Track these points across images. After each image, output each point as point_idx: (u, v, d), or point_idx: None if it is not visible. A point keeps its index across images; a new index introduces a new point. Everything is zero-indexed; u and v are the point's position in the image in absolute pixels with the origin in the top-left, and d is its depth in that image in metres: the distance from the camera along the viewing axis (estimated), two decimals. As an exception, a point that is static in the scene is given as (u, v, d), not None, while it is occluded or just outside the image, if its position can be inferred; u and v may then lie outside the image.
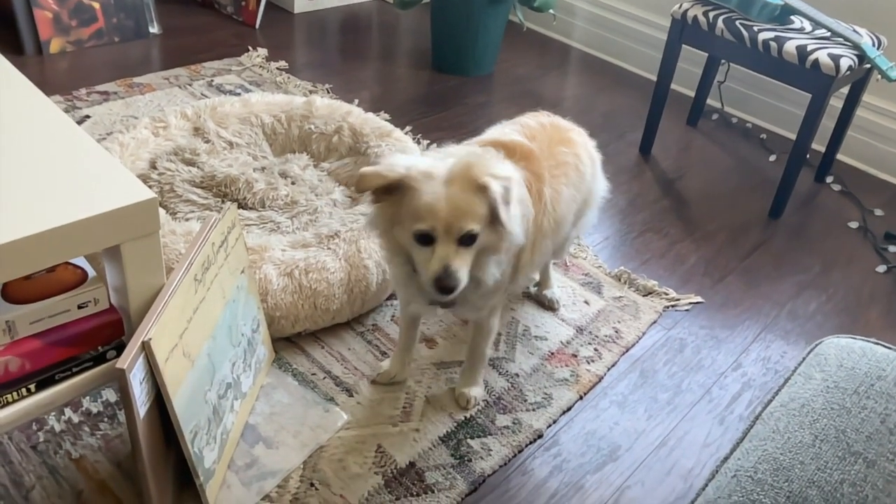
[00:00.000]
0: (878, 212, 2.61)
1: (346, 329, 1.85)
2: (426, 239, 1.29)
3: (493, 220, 1.30)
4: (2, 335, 1.16)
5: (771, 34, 2.35)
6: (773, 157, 2.87)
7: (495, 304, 1.58)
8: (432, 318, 1.90)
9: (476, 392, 1.68)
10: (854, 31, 2.38)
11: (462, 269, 1.29)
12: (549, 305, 1.98)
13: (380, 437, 1.59)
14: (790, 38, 2.32)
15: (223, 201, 2.10)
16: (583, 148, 1.70)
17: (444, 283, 1.28)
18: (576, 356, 1.86)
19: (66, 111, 2.54)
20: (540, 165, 1.51)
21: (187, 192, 2.09)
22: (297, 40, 3.39)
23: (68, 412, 1.55)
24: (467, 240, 1.29)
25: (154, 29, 3.21)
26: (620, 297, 2.07)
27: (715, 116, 3.12)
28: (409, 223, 1.29)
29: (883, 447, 0.93)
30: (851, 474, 0.89)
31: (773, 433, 0.98)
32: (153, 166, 2.17)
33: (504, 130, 1.60)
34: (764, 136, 3.02)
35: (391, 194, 1.31)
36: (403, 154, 1.39)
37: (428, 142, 2.66)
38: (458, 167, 1.30)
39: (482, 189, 1.28)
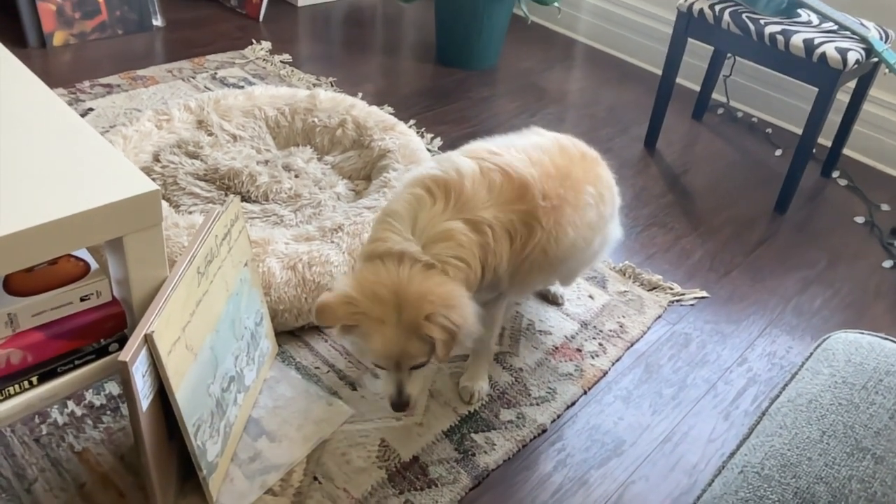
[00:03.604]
0: (885, 207, 2.60)
1: (349, 323, 1.84)
2: (381, 367, 1.43)
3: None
4: (4, 328, 1.15)
5: (777, 27, 2.33)
6: (778, 152, 2.85)
7: (492, 302, 1.60)
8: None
9: (480, 386, 1.68)
10: (861, 24, 2.36)
11: (415, 391, 1.44)
12: (553, 300, 1.98)
13: (383, 431, 1.59)
14: (797, 32, 2.31)
15: (226, 194, 2.09)
16: (607, 189, 1.69)
17: (398, 408, 1.44)
18: (580, 351, 1.85)
19: (70, 104, 2.53)
20: (539, 218, 1.48)
21: (191, 184, 2.09)
22: (301, 33, 3.38)
23: (71, 405, 1.55)
24: (418, 366, 1.42)
25: (157, 21, 3.20)
26: (625, 291, 2.06)
27: (720, 111, 3.10)
28: (364, 352, 1.43)
29: (892, 443, 0.92)
30: (860, 470, 0.88)
31: (780, 429, 0.97)
32: (156, 159, 2.16)
33: (531, 152, 1.55)
34: (769, 130, 3.00)
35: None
36: (353, 276, 1.42)
37: (432, 135, 2.64)
38: (411, 311, 1.34)
39: (430, 337, 1.36)
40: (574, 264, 1.71)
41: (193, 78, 2.82)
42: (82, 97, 2.60)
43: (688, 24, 2.54)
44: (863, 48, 2.26)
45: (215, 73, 2.88)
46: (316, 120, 2.36)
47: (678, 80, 2.73)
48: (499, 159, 1.50)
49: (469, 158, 1.49)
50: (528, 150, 1.55)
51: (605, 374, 1.80)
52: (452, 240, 1.40)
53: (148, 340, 1.18)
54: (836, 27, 2.36)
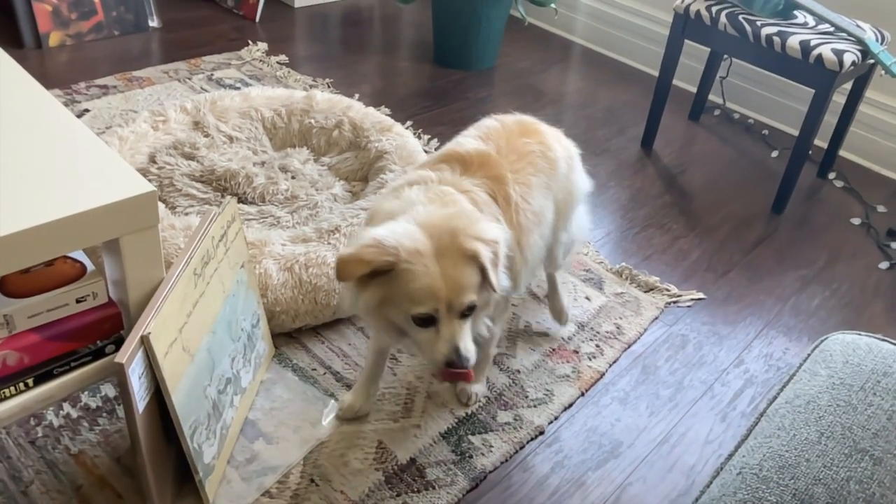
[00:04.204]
0: (881, 208, 2.60)
1: (346, 324, 1.84)
2: (427, 321, 1.25)
3: (483, 282, 1.27)
4: (0, 329, 1.14)
5: (774, 29, 2.33)
6: (775, 153, 2.86)
7: (498, 313, 1.55)
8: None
9: (478, 389, 1.67)
10: (857, 26, 2.37)
11: (470, 344, 1.27)
12: (555, 317, 1.91)
13: (380, 432, 1.58)
14: (793, 33, 2.31)
15: (223, 195, 2.09)
16: (552, 138, 1.63)
17: (457, 367, 1.26)
18: (577, 352, 1.85)
19: (66, 105, 2.52)
20: (499, 166, 1.47)
21: (187, 186, 2.08)
22: (298, 34, 3.37)
23: (67, 407, 1.54)
24: (468, 311, 1.27)
25: (154, 22, 3.20)
26: (622, 292, 2.06)
27: (717, 112, 3.11)
28: (406, 306, 1.24)
29: (890, 444, 0.92)
30: (858, 472, 0.88)
31: (778, 430, 0.97)
32: (152, 160, 2.15)
33: (461, 140, 1.56)
34: (766, 131, 3.01)
35: (376, 277, 1.23)
36: (374, 227, 1.28)
37: (429, 136, 2.64)
38: (444, 238, 1.23)
39: (473, 258, 1.24)
40: (554, 218, 1.63)
41: (190, 79, 2.82)
42: (78, 98, 2.59)
43: (684, 26, 2.54)
44: (859, 50, 2.26)
45: (212, 75, 2.87)
46: (313, 121, 2.36)
47: (675, 81, 2.73)
48: (429, 160, 1.51)
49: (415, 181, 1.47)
50: (467, 141, 1.55)
51: (602, 375, 1.80)
52: (450, 196, 1.36)
53: (144, 342, 1.18)
54: (832, 29, 2.36)
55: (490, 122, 1.60)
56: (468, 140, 1.54)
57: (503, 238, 1.31)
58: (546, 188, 1.57)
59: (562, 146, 1.64)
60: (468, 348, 1.26)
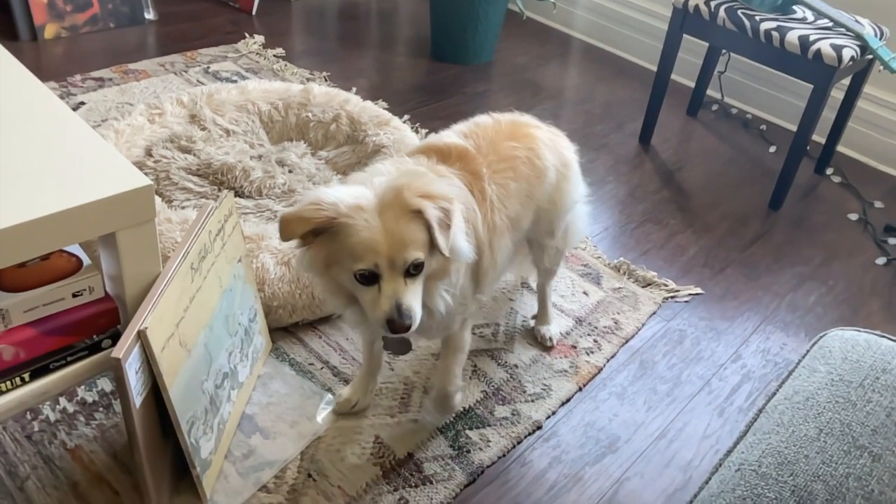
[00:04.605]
0: (878, 204, 2.60)
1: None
2: (370, 278, 1.20)
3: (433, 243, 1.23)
4: (-5, 324, 1.14)
5: (773, 24, 2.33)
6: (773, 149, 2.85)
7: (466, 318, 1.49)
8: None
9: (453, 404, 1.59)
10: (856, 21, 2.36)
11: (414, 303, 1.21)
12: (540, 341, 1.84)
13: (378, 427, 1.58)
14: (792, 28, 2.30)
15: (220, 189, 2.08)
16: (544, 144, 1.57)
17: (397, 325, 1.20)
18: (575, 347, 1.85)
19: (61, 98, 2.51)
20: (476, 162, 1.43)
21: (183, 179, 2.07)
22: (295, 27, 3.36)
23: (63, 402, 1.54)
24: (414, 270, 1.21)
25: (150, 15, 3.18)
26: (620, 288, 2.06)
27: (715, 107, 3.10)
28: (348, 263, 1.20)
29: (889, 441, 0.92)
30: (857, 468, 0.88)
31: (777, 426, 0.97)
32: (149, 153, 2.14)
33: (442, 133, 1.53)
34: (764, 127, 3.00)
35: (320, 235, 1.21)
36: (324, 186, 1.26)
37: (426, 131, 2.63)
38: (388, 193, 1.20)
39: (418, 214, 1.20)
40: (536, 225, 1.60)
41: (186, 72, 2.80)
42: (73, 91, 2.58)
43: (683, 20, 2.54)
44: (857, 45, 2.26)
45: (208, 68, 2.86)
46: (310, 115, 2.35)
47: (673, 76, 2.72)
48: (408, 152, 1.48)
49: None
50: (448, 135, 1.52)
51: (600, 370, 1.80)
52: (421, 171, 1.33)
53: (141, 337, 1.17)
54: (831, 24, 2.36)
55: (482, 119, 1.57)
56: (449, 134, 1.52)
57: (457, 197, 1.27)
58: (527, 196, 1.52)
59: (554, 154, 1.58)
60: (411, 306, 1.20)
